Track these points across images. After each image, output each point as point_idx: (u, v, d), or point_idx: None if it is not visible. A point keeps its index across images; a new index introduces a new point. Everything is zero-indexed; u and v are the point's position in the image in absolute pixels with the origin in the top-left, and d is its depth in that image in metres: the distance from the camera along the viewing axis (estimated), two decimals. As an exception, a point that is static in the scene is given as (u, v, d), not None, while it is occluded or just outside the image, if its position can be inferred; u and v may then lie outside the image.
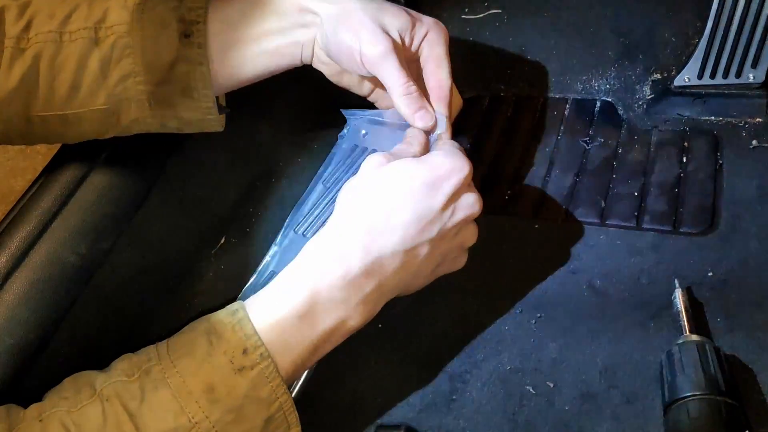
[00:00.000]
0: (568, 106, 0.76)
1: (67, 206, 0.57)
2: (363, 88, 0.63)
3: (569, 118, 0.75)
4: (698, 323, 0.53)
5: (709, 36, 0.68)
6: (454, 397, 0.54)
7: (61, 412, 0.42)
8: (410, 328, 0.59)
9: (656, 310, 0.55)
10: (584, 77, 0.78)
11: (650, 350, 0.53)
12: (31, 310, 0.52)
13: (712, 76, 0.70)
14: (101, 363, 0.47)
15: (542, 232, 0.64)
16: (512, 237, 0.65)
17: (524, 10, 0.82)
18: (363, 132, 0.58)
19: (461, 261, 0.54)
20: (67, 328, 0.54)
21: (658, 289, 0.57)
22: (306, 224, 0.58)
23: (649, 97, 0.74)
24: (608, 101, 0.75)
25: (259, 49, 0.56)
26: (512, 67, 0.81)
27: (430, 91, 0.57)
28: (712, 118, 0.70)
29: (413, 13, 0.57)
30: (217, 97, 0.56)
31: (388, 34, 0.54)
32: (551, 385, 0.53)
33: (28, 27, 0.52)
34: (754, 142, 0.66)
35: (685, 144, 0.68)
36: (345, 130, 0.63)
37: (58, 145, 0.61)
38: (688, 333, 0.51)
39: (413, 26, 0.56)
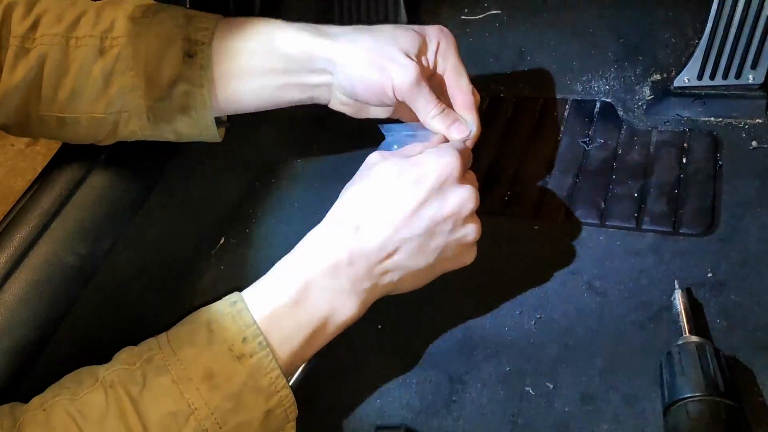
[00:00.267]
0: (567, 106, 0.76)
1: (67, 207, 0.57)
2: (385, 114, 0.63)
3: (569, 118, 0.75)
4: (698, 324, 0.53)
5: (709, 37, 0.68)
6: (453, 398, 0.54)
7: (64, 401, 0.43)
8: (410, 329, 0.59)
9: (656, 311, 0.55)
10: (584, 78, 0.78)
11: (650, 351, 0.53)
12: (30, 311, 0.52)
13: (712, 77, 0.70)
14: (101, 363, 0.46)
15: (542, 232, 0.64)
16: (512, 238, 0.65)
17: (524, 11, 0.82)
18: (395, 147, 0.59)
19: (467, 257, 0.53)
20: (67, 328, 0.54)
21: (657, 290, 0.57)
22: None
23: (649, 98, 0.74)
24: (608, 102, 0.75)
25: (262, 84, 0.56)
26: (512, 68, 0.81)
27: (455, 100, 0.58)
28: (712, 119, 0.70)
29: (416, 28, 0.57)
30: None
31: (411, 59, 0.54)
32: (551, 386, 0.53)
33: (34, 26, 0.52)
34: (754, 143, 0.66)
35: (685, 145, 0.68)
36: (381, 145, 0.63)
37: (58, 146, 0.61)
38: (687, 334, 0.51)
39: (424, 43, 0.56)
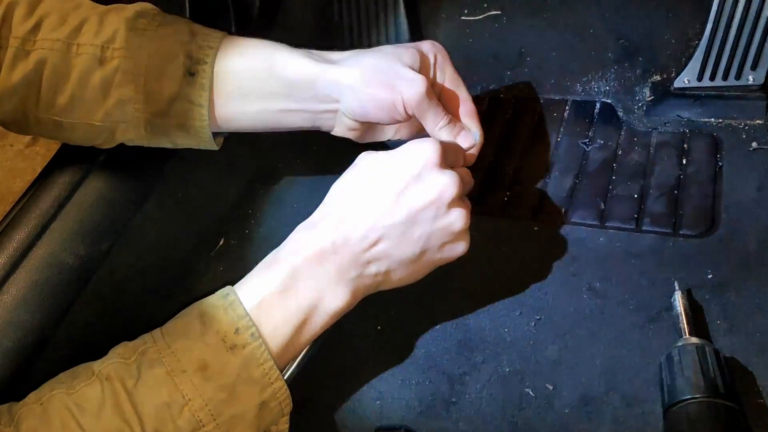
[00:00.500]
0: (567, 107, 0.76)
1: (66, 208, 0.57)
2: (388, 136, 0.63)
3: (569, 119, 0.75)
4: (698, 326, 0.53)
5: (709, 38, 0.68)
6: (453, 399, 0.54)
7: (60, 394, 0.43)
8: (409, 331, 0.59)
9: (656, 312, 0.55)
10: (584, 79, 0.78)
11: (650, 353, 0.52)
12: (29, 312, 0.52)
13: (712, 77, 0.70)
14: (99, 364, 0.46)
15: (542, 234, 0.64)
16: (512, 239, 0.65)
17: (524, 11, 0.82)
18: None
19: (458, 247, 0.52)
20: (66, 329, 0.54)
21: (657, 292, 0.57)
22: None
23: (649, 98, 0.74)
24: (608, 103, 0.75)
25: (262, 107, 0.55)
26: (511, 69, 0.81)
27: (456, 108, 0.59)
28: (712, 119, 0.70)
29: (412, 45, 0.58)
30: None
31: (418, 73, 0.54)
32: (551, 388, 0.53)
33: (36, 28, 0.52)
34: (754, 143, 0.66)
35: (685, 146, 0.68)
36: None
37: (58, 147, 0.61)
38: (687, 335, 0.51)
39: (424, 58, 0.57)
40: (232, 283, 0.49)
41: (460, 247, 0.52)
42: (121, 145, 0.58)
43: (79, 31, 0.52)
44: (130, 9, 0.54)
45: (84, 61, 0.52)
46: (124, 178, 0.61)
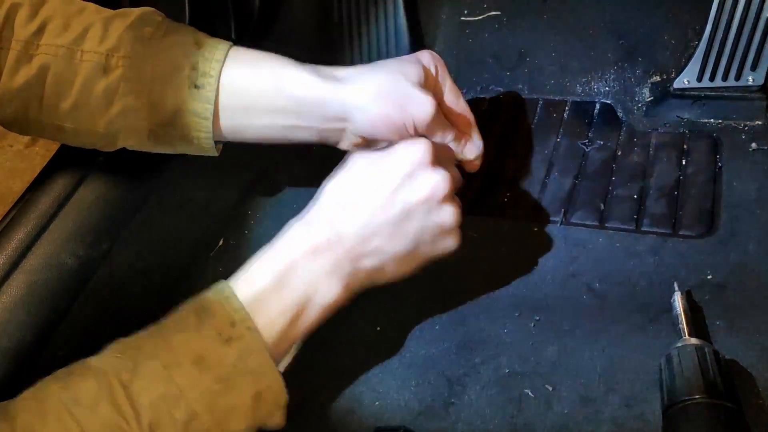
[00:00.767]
0: (567, 108, 0.76)
1: (65, 208, 0.57)
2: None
3: (568, 120, 0.75)
4: (697, 327, 0.53)
5: (709, 38, 0.68)
6: (452, 400, 0.54)
7: (56, 389, 0.43)
8: (408, 332, 0.59)
9: (655, 313, 0.55)
10: (583, 79, 0.78)
11: (649, 353, 0.52)
12: (28, 313, 0.52)
13: (712, 78, 0.70)
14: (98, 366, 0.46)
15: (541, 234, 0.64)
16: (511, 239, 0.65)
17: (523, 12, 0.82)
18: None
19: (449, 242, 0.53)
20: (65, 330, 0.54)
21: (657, 292, 0.57)
22: None
23: (649, 99, 0.74)
24: (607, 103, 0.75)
25: (269, 122, 0.55)
26: (511, 70, 0.81)
27: (456, 119, 0.59)
28: (712, 120, 0.70)
29: (413, 58, 0.57)
30: None
31: (425, 92, 0.54)
32: (550, 389, 0.53)
33: (39, 32, 0.51)
34: (754, 144, 0.66)
35: (685, 146, 0.68)
36: None
37: (57, 148, 0.61)
38: (687, 336, 0.51)
39: (427, 72, 0.57)
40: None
41: (452, 243, 0.54)
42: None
43: (84, 38, 0.51)
44: (135, 15, 0.53)
45: (88, 68, 0.51)
46: (123, 178, 0.61)
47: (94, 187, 0.59)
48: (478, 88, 0.81)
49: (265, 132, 0.56)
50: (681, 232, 0.61)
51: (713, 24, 0.68)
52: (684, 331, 0.51)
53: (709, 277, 0.57)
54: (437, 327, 0.59)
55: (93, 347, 0.54)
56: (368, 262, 0.51)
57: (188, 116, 0.52)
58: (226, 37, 0.55)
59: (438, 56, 0.59)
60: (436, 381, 0.55)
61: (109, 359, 0.45)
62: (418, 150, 0.51)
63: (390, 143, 0.54)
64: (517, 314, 0.58)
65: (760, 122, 0.68)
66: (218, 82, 0.52)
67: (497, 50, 0.82)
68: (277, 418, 0.47)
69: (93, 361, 0.45)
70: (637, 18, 0.77)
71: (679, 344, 0.50)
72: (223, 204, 0.73)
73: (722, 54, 0.69)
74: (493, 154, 0.73)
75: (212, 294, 0.48)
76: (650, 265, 0.59)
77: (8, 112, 0.52)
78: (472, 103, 0.80)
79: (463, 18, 0.84)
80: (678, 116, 0.71)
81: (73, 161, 0.59)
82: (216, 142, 0.56)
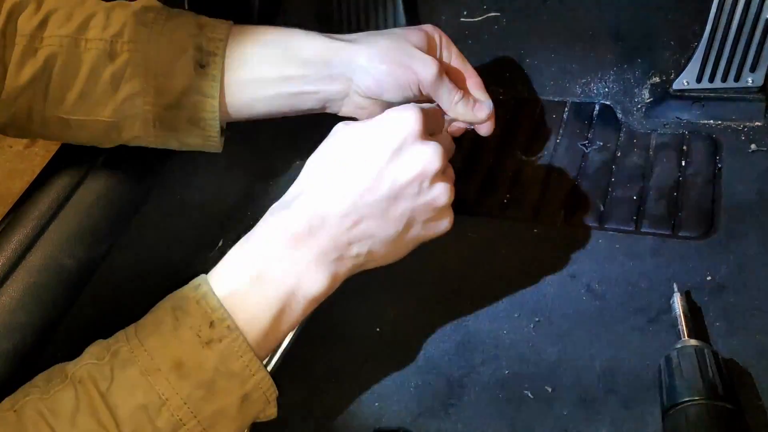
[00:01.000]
0: (566, 109, 0.76)
1: (65, 209, 0.56)
2: None
3: (568, 121, 0.75)
4: (697, 328, 0.53)
5: (708, 39, 0.68)
6: (452, 401, 0.54)
7: (34, 400, 0.41)
8: (408, 332, 0.59)
9: (655, 314, 0.55)
10: (583, 80, 0.78)
11: (649, 355, 0.52)
12: (27, 314, 0.51)
13: (711, 79, 0.70)
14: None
15: (541, 235, 0.64)
16: (510, 240, 0.64)
17: (523, 13, 0.82)
18: None
19: (442, 224, 0.49)
20: (64, 332, 0.54)
21: (656, 294, 0.57)
22: None
23: (648, 100, 0.74)
24: (607, 105, 0.75)
25: (276, 92, 0.55)
26: (511, 71, 0.81)
27: (464, 83, 0.60)
28: (711, 121, 0.70)
29: (417, 27, 0.59)
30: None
31: (428, 54, 0.55)
32: (549, 390, 0.53)
33: (43, 25, 0.52)
34: (753, 145, 0.66)
35: (684, 148, 0.68)
36: None
37: (57, 148, 0.61)
38: (686, 337, 0.51)
39: (431, 39, 0.58)
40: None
41: (444, 224, 0.50)
42: (121, 146, 0.58)
43: (87, 26, 0.52)
44: (136, 4, 0.54)
45: (94, 56, 0.52)
46: (123, 179, 0.61)
47: (93, 188, 0.59)
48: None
49: (271, 104, 0.56)
50: (680, 233, 0.61)
51: (712, 25, 0.68)
52: (683, 332, 0.51)
53: (708, 278, 0.57)
54: (437, 328, 0.59)
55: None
56: (356, 249, 0.47)
57: (194, 96, 0.53)
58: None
59: (441, 30, 0.60)
60: (436, 382, 0.55)
61: (86, 366, 0.42)
62: (406, 120, 0.46)
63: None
64: (516, 315, 0.58)
65: (759, 123, 0.68)
66: (223, 60, 0.53)
67: (496, 51, 0.82)
68: (270, 411, 0.46)
69: (71, 367, 0.43)
70: (637, 19, 0.77)
71: (679, 345, 0.50)
72: (222, 204, 0.73)
73: (721, 55, 0.69)
74: (493, 155, 0.73)
75: (189, 290, 0.45)
76: (650, 266, 0.59)
77: (13, 110, 0.52)
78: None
79: (462, 19, 0.84)
80: (677, 117, 0.72)
81: (72, 162, 0.59)
82: (220, 136, 0.56)
